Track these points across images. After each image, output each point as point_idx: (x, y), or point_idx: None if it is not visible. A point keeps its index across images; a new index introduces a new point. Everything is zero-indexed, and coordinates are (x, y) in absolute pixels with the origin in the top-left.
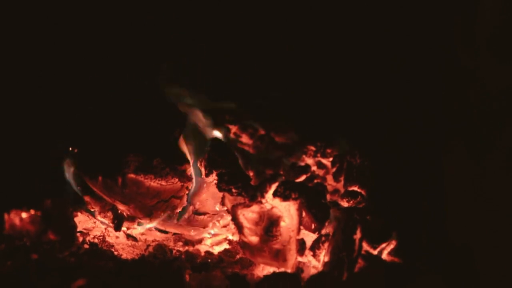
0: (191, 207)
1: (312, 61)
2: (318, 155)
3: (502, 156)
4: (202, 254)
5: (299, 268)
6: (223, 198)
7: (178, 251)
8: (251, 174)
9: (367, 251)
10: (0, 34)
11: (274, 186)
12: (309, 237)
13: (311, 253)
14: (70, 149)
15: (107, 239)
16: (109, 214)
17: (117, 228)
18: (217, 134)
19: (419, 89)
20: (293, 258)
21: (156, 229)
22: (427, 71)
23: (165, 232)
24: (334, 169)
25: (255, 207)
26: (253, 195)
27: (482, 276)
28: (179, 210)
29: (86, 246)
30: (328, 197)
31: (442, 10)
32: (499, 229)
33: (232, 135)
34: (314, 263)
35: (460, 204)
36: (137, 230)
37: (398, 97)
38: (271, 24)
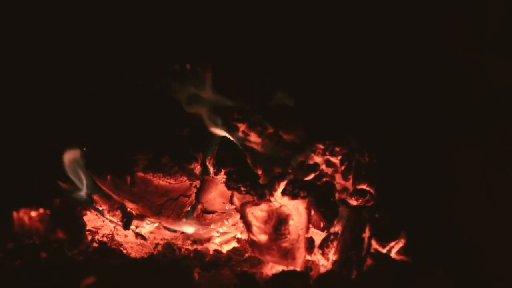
0: (199, 206)
1: (319, 60)
2: (327, 153)
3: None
4: (211, 252)
5: (308, 267)
6: (231, 196)
7: (186, 249)
8: (259, 172)
9: (376, 250)
10: (15, 35)
11: (282, 185)
12: (318, 236)
13: (320, 251)
14: (80, 148)
15: (116, 237)
16: (118, 212)
17: (126, 226)
18: (226, 132)
19: (428, 90)
20: (302, 256)
21: (165, 227)
22: (428, 71)
23: (174, 230)
24: (343, 168)
25: (263, 206)
26: (262, 193)
27: (491, 275)
28: (187, 208)
29: (95, 244)
30: (337, 195)
31: (442, 10)
32: (506, 227)
33: (240, 134)
34: (323, 261)
35: (468, 203)
36: (146, 228)
37: (407, 97)
38: (279, 24)
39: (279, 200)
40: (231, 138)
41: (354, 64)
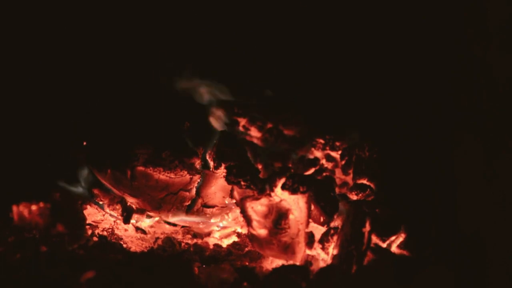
0: (199, 200)
1: (320, 55)
2: (327, 148)
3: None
4: (211, 247)
5: (308, 261)
6: (232, 191)
7: (187, 244)
8: (259, 167)
9: (376, 244)
10: (16, 35)
11: (283, 179)
12: (318, 230)
13: (320, 246)
14: (80, 142)
15: (116, 231)
16: (118, 206)
17: (126, 220)
18: (226, 127)
19: (429, 84)
20: (301, 251)
21: (165, 221)
22: (430, 68)
23: (174, 225)
24: (343, 162)
25: (264, 200)
26: (262, 188)
27: (491, 271)
28: (187, 203)
29: (95, 238)
30: (337, 190)
31: (452, 6)
32: (507, 225)
33: (241, 128)
34: (323, 256)
35: (468, 200)
36: (146, 222)
37: (407, 92)
38: (282, 20)
39: (279, 194)
40: (231, 133)
41: (355, 60)
